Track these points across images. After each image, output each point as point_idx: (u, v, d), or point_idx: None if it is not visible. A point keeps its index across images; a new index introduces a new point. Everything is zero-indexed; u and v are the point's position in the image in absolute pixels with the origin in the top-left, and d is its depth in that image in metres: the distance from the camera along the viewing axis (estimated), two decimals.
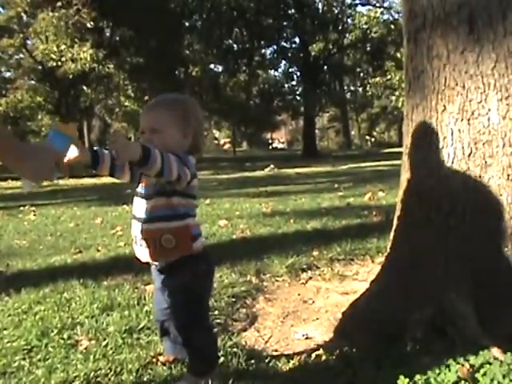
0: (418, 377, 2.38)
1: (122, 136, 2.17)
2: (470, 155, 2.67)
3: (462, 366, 2.40)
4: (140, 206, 2.37)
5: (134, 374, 2.62)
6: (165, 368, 2.67)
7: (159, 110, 2.38)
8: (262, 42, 41.46)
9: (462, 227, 2.70)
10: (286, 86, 49.32)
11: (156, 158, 2.10)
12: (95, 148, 2.32)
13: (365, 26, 35.98)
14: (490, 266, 2.66)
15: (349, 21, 40.67)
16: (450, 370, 2.39)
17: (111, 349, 2.90)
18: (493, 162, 2.64)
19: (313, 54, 38.01)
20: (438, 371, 2.40)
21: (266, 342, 3.11)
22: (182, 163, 2.21)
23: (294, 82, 48.61)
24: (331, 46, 38.50)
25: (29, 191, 2.04)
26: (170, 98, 2.51)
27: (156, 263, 2.47)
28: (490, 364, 2.41)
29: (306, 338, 3.11)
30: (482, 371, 2.36)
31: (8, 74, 40.22)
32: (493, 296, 2.64)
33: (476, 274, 2.67)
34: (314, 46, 37.41)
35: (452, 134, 2.71)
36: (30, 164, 1.96)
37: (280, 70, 47.13)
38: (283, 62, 44.88)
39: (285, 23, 41.67)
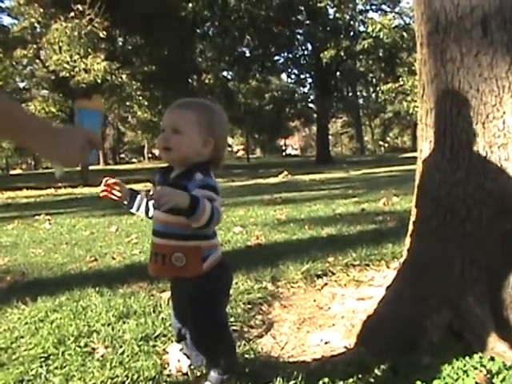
0: (435, 382, 2.37)
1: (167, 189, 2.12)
2: (485, 158, 2.66)
3: (480, 371, 2.38)
4: (161, 219, 2.33)
5: (151, 382, 2.63)
6: (181, 375, 2.67)
7: (185, 111, 2.30)
8: (273, 49, 41.47)
9: (478, 231, 2.68)
10: (299, 92, 49.39)
11: (204, 209, 2.08)
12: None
13: (377, 34, 35.81)
14: (507, 270, 2.64)
15: (361, 28, 40.66)
16: (467, 376, 2.37)
17: (128, 356, 2.91)
18: (508, 165, 2.62)
19: (324, 61, 37.89)
20: (455, 377, 2.39)
21: (282, 349, 3.10)
22: (217, 197, 2.19)
23: (306, 89, 48.70)
24: (343, 53, 38.38)
25: (60, 175, 1.95)
26: (198, 102, 2.41)
27: None
28: (508, 369, 2.39)
29: (323, 344, 3.10)
30: (500, 377, 2.35)
31: (22, 85, 40.56)
32: (510, 300, 2.62)
33: (492, 279, 2.65)
34: (326, 53, 37.32)
35: (467, 137, 2.69)
36: (57, 147, 1.87)
37: (292, 76, 47.15)
38: (295, 69, 44.82)
39: (296, 30, 41.72)
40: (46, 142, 1.87)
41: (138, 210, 2.44)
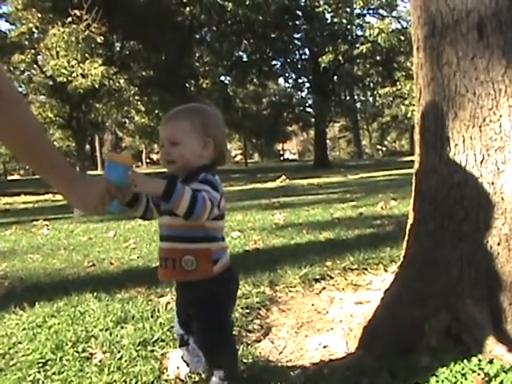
0: None
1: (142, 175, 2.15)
2: (482, 162, 2.66)
3: (478, 374, 2.38)
4: (167, 223, 2.33)
5: None
6: (179, 381, 2.66)
7: (177, 121, 2.32)
8: (271, 54, 41.49)
9: (476, 234, 2.68)
10: (296, 97, 49.35)
11: (182, 195, 2.07)
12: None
13: (375, 38, 35.76)
14: (505, 273, 2.64)
15: (358, 32, 40.70)
16: (466, 379, 2.37)
17: (125, 361, 2.90)
18: (505, 168, 2.63)
19: (322, 65, 37.89)
20: (453, 380, 2.38)
21: (281, 353, 3.10)
22: (213, 192, 2.18)
23: (303, 94, 48.68)
24: (341, 58, 38.38)
25: (79, 217, 2.10)
26: (187, 108, 2.42)
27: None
28: (506, 372, 2.39)
29: (321, 349, 3.10)
30: (498, 380, 2.35)
31: (20, 90, 40.52)
32: (508, 302, 2.62)
33: (490, 281, 2.65)
34: (324, 57, 37.32)
35: (463, 141, 2.70)
36: (76, 193, 2.00)
37: (290, 81, 47.11)
38: (293, 73, 44.77)
39: (293, 35, 41.75)
40: (66, 185, 2.00)
41: (139, 204, 2.36)
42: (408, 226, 3.04)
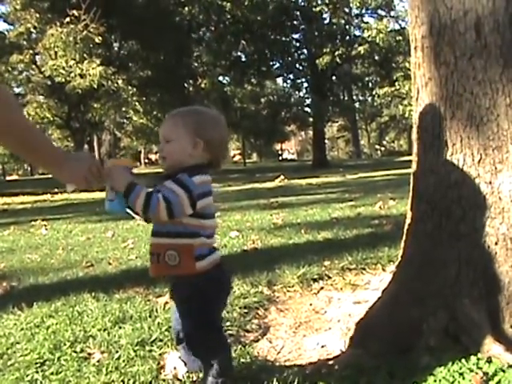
0: None
1: (119, 167, 2.28)
2: (479, 161, 2.66)
3: (476, 373, 2.38)
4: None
5: None
6: (177, 380, 2.66)
7: (172, 119, 2.38)
8: (269, 54, 41.43)
9: (473, 234, 2.68)
10: (294, 96, 49.33)
11: (138, 196, 2.17)
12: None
13: (373, 39, 35.69)
14: (502, 272, 2.65)
15: (357, 32, 40.69)
16: (463, 378, 2.37)
17: (124, 361, 2.90)
18: (503, 167, 2.63)
19: (320, 67, 37.86)
20: (451, 379, 2.39)
21: (279, 353, 3.10)
22: (180, 191, 2.20)
23: (301, 93, 48.64)
24: (338, 59, 38.29)
25: (72, 191, 2.23)
26: (186, 108, 2.47)
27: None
28: (504, 371, 2.39)
29: (319, 348, 3.10)
30: (496, 379, 2.35)
31: (18, 90, 40.46)
32: (506, 302, 2.62)
33: (488, 281, 2.65)
34: (321, 59, 37.22)
35: (461, 140, 2.70)
36: (67, 171, 2.18)
37: (288, 81, 47.02)
38: (291, 73, 44.68)
39: (292, 35, 41.73)
40: (58, 168, 2.19)
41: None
42: (406, 226, 3.04)
